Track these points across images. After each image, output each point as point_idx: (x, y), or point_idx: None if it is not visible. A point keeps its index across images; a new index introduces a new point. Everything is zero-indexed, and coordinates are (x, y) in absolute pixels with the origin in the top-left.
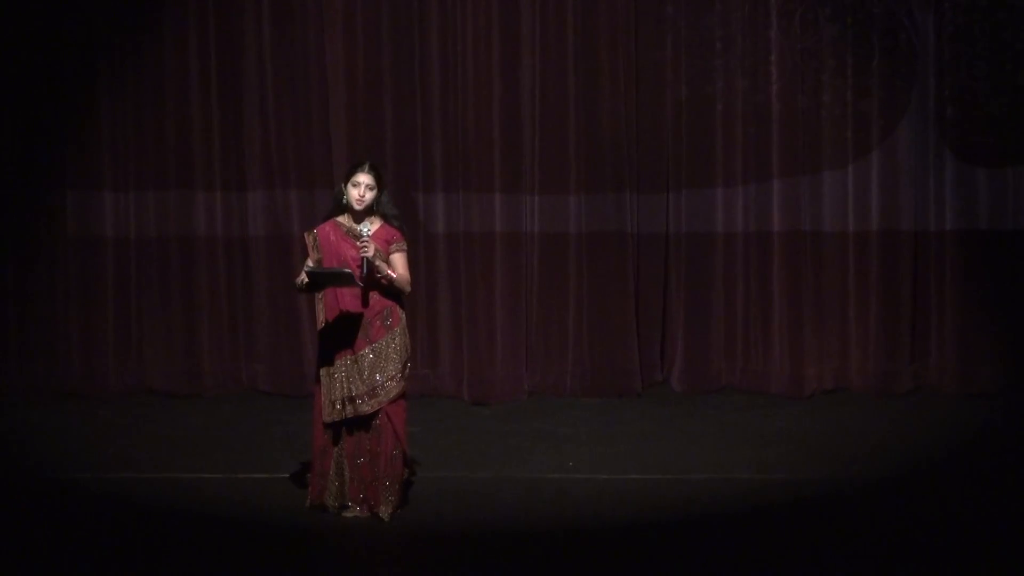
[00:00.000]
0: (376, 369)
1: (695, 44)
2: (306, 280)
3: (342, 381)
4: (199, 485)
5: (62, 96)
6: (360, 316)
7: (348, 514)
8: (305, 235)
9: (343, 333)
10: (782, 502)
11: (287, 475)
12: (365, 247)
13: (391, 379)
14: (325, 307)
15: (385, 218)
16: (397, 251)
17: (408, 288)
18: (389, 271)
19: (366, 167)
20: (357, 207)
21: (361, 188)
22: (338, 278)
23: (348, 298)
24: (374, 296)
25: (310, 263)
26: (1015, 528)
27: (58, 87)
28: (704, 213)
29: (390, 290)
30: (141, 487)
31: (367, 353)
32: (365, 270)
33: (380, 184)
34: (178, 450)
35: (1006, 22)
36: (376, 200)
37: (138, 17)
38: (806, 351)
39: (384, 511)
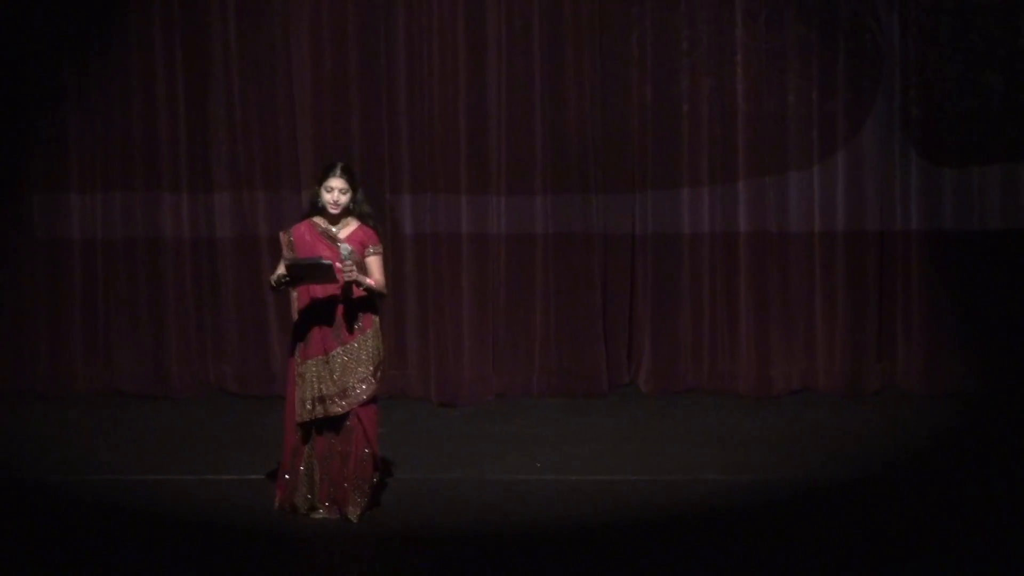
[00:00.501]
0: (347, 371)
1: (661, 45)
2: (284, 273)
3: (313, 381)
4: (166, 487)
5: (28, 97)
6: (333, 313)
7: (317, 515)
8: (281, 234)
9: (315, 333)
10: (749, 503)
11: (255, 476)
12: (351, 271)
13: (363, 381)
14: (299, 303)
15: (361, 218)
16: (373, 255)
17: (385, 292)
18: (369, 280)
19: (338, 171)
20: (332, 211)
21: (335, 193)
22: (318, 270)
23: (322, 297)
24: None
25: (285, 262)
26: (982, 527)
27: (24, 88)
28: (670, 214)
29: (367, 296)
30: (108, 489)
31: (338, 354)
32: (350, 292)
33: (354, 185)
34: (145, 451)
35: (971, 23)
36: (351, 200)
37: (104, 18)
38: (773, 352)
39: (353, 512)
